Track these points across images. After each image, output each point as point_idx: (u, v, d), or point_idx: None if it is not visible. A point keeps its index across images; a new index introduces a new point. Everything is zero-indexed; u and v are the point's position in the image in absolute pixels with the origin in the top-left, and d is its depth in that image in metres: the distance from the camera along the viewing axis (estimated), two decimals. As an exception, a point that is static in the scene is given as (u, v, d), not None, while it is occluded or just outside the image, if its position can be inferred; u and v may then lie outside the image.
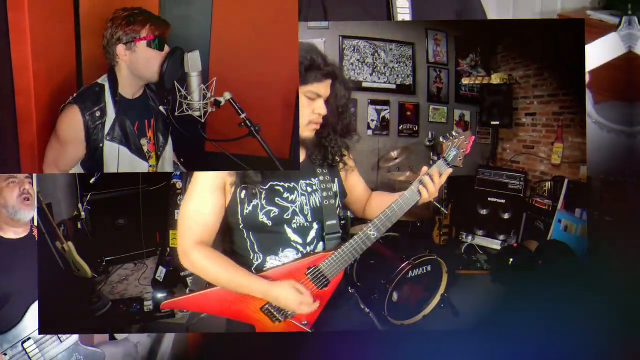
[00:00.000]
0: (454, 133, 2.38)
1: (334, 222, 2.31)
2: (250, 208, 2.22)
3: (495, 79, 3.62)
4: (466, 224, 3.81)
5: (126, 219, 3.59)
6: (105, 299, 3.21)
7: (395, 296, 3.13)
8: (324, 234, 2.30)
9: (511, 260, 3.34)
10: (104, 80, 2.46)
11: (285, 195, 2.25)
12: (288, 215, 2.24)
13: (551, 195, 3.54)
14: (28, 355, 2.49)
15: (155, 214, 3.49)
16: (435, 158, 2.39)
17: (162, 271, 3.41)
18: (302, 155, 2.34)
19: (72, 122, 2.39)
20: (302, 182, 2.29)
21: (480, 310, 3.16)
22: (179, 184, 3.45)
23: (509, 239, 3.70)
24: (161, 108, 2.61)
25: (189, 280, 3.40)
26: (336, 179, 2.38)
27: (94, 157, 2.46)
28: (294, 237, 2.27)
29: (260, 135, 2.39)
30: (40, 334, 2.47)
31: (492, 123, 3.79)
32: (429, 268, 3.25)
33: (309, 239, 2.29)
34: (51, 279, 2.59)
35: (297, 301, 2.20)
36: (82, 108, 2.39)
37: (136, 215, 3.53)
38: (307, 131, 2.27)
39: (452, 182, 3.50)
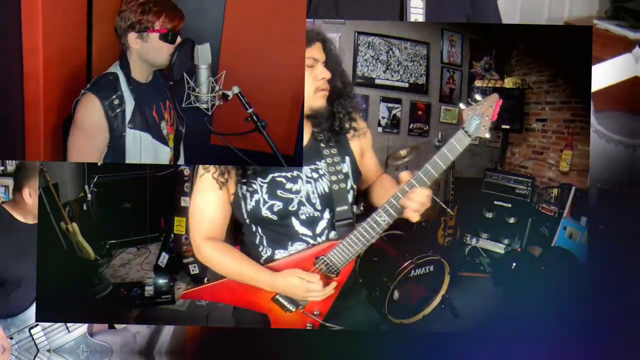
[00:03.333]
0: (476, 97, 2.09)
1: (345, 207, 2.22)
2: (253, 203, 2.19)
3: (508, 82, 3.60)
4: (471, 226, 3.79)
5: (132, 203, 3.59)
6: (106, 281, 3.22)
7: (396, 294, 3.13)
8: (334, 220, 2.22)
9: (514, 264, 3.34)
10: (115, 68, 2.45)
11: (288, 185, 2.20)
12: (293, 206, 2.20)
13: (557, 201, 3.53)
14: (34, 342, 2.48)
15: (161, 200, 3.49)
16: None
17: (164, 257, 3.42)
18: (306, 138, 2.28)
19: (94, 111, 2.37)
20: (305, 168, 2.23)
21: (480, 313, 3.16)
22: (187, 171, 3.45)
23: (513, 243, 3.69)
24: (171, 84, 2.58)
25: (191, 267, 3.41)
26: (347, 158, 2.28)
27: (116, 147, 2.44)
28: (302, 229, 2.22)
29: (266, 131, 2.38)
30: (36, 321, 2.46)
31: (502, 127, 3.77)
32: (432, 268, 3.25)
33: (318, 230, 2.23)
34: (51, 261, 2.58)
35: (304, 289, 2.16)
36: (100, 97, 2.37)
37: (142, 199, 3.53)
38: (317, 99, 2.20)
39: (459, 183, 3.50)
